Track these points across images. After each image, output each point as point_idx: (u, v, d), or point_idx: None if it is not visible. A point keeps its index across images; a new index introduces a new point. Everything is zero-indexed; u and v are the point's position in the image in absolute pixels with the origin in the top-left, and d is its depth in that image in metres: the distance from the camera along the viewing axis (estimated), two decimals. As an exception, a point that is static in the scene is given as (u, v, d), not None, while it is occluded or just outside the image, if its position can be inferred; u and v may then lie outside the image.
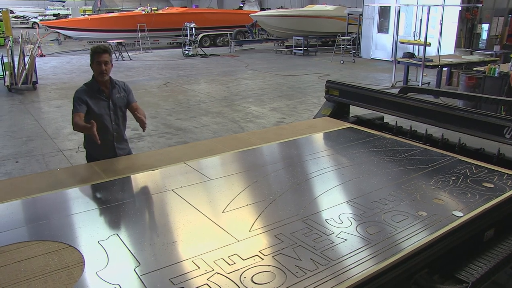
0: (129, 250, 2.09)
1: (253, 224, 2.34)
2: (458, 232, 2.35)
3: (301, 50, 19.91)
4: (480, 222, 2.51)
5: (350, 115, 4.93)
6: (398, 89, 5.36)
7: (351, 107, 4.90)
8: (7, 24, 21.42)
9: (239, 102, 10.47)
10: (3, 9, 21.63)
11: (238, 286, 1.81)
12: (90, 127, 3.23)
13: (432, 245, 2.20)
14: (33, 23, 35.37)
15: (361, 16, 19.07)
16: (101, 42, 20.66)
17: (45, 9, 41.42)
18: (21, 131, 8.05)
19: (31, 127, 8.33)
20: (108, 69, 3.48)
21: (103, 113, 3.55)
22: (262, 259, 2.00)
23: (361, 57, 18.70)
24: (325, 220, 2.38)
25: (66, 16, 34.40)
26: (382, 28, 18.12)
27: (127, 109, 3.73)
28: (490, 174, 3.05)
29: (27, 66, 11.71)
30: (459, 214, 2.44)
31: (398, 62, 12.28)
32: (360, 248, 2.10)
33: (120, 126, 3.69)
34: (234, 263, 1.97)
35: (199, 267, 1.94)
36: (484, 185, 2.84)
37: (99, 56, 3.41)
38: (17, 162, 6.42)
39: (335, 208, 2.54)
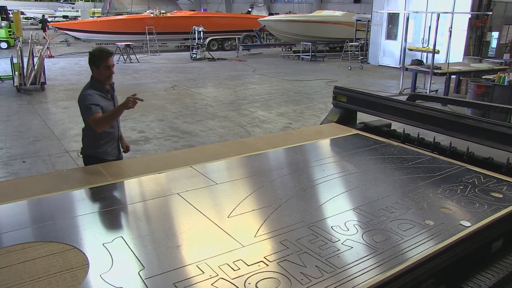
0: (134, 253, 2.09)
1: (258, 229, 2.33)
2: (466, 242, 2.32)
3: (308, 55, 19.89)
4: (488, 233, 2.48)
5: (357, 122, 4.91)
6: (406, 96, 5.34)
7: (358, 113, 4.88)
8: (17, 25, 21.67)
9: (246, 106, 10.48)
10: (14, 11, 21.89)
11: (242, 292, 1.80)
12: (125, 103, 3.27)
13: (439, 254, 2.17)
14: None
15: (369, 23, 19.04)
16: (109, 44, 20.81)
17: (55, 10, 41.84)
18: (29, 131, 8.11)
19: (39, 127, 8.38)
20: (113, 71, 3.58)
21: None
22: (267, 265, 1.99)
23: (369, 63, 18.66)
24: (331, 227, 2.37)
25: (76, 17, 34.64)
26: (391, 34, 18.08)
27: None
28: (499, 184, 3.01)
29: (35, 67, 11.81)
30: (467, 224, 2.41)
31: (406, 69, 12.23)
32: (366, 256, 2.08)
33: (119, 125, 3.80)
34: (239, 268, 1.96)
35: (203, 272, 1.93)
36: (493, 195, 2.81)
37: (107, 60, 3.47)
38: (24, 162, 6.47)
39: (341, 215, 2.52)
